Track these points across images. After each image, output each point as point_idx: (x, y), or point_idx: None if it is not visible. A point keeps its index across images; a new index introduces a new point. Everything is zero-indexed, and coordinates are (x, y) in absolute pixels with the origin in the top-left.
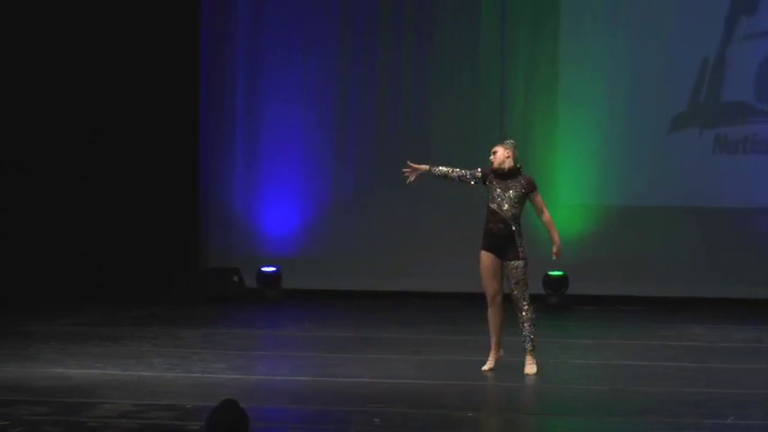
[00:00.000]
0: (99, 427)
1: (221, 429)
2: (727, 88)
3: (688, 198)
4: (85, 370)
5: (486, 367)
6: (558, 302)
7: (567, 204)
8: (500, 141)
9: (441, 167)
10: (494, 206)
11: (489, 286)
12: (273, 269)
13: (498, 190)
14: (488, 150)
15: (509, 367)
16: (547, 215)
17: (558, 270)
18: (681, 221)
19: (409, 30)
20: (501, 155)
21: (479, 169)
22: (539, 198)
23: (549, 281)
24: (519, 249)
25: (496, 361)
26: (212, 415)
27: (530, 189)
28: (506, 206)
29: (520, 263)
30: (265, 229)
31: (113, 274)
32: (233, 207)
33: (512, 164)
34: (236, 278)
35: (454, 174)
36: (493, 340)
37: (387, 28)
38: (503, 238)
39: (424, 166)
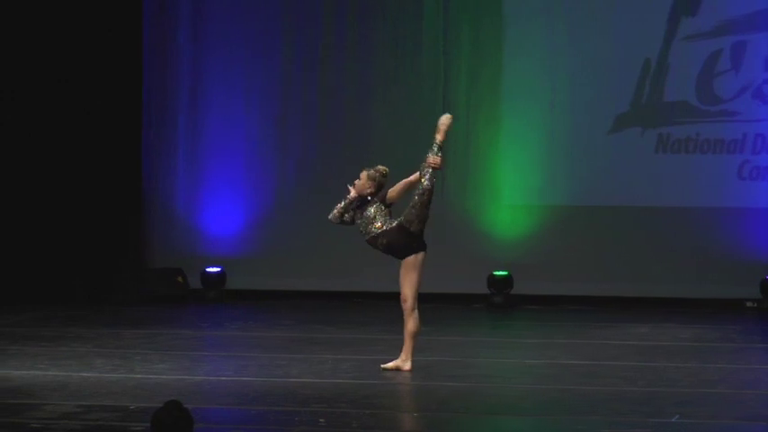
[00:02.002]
0: (41, 428)
1: (165, 430)
2: (670, 88)
3: (630, 198)
4: (26, 371)
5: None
6: (502, 302)
7: (511, 204)
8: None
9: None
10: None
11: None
12: (217, 269)
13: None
14: (428, 146)
15: (452, 367)
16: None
17: (502, 270)
18: (623, 221)
19: (352, 25)
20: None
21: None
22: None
23: (493, 280)
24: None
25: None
26: (156, 416)
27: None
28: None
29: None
30: (209, 229)
31: (54, 274)
32: (176, 206)
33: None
34: (180, 278)
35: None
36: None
37: (329, 23)
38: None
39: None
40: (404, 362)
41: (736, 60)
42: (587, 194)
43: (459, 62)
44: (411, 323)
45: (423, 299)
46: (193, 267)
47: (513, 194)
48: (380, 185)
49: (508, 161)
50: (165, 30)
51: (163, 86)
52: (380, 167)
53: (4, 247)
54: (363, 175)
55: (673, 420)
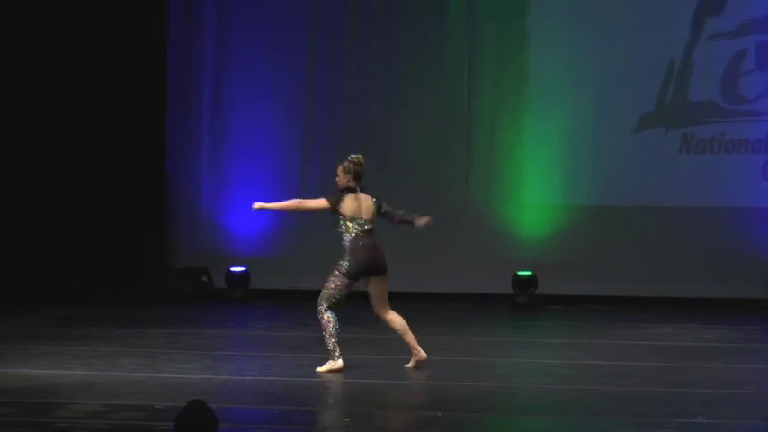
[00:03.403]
0: (67, 427)
1: (189, 430)
2: (694, 88)
3: (655, 198)
4: (52, 370)
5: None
6: (526, 302)
7: (535, 204)
8: (467, 141)
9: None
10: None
11: None
12: (242, 269)
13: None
14: (454, 148)
15: (475, 367)
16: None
17: (526, 270)
18: (647, 221)
19: (376, 27)
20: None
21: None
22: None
23: (517, 281)
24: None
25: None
26: (180, 415)
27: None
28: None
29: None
30: (233, 229)
31: (80, 274)
32: (201, 207)
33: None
34: (204, 278)
35: None
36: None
37: (353, 25)
38: None
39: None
40: (418, 353)
41: (761, 60)
42: (611, 194)
43: (484, 64)
44: (397, 319)
45: (446, 299)
46: (218, 267)
47: (537, 194)
48: (357, 174)
49: (532, 161)
50: (190, 30)
51: (187, 86)
52: (352, 156)
53: (29, 247)
54: (339, 170)
55: (696, 421)
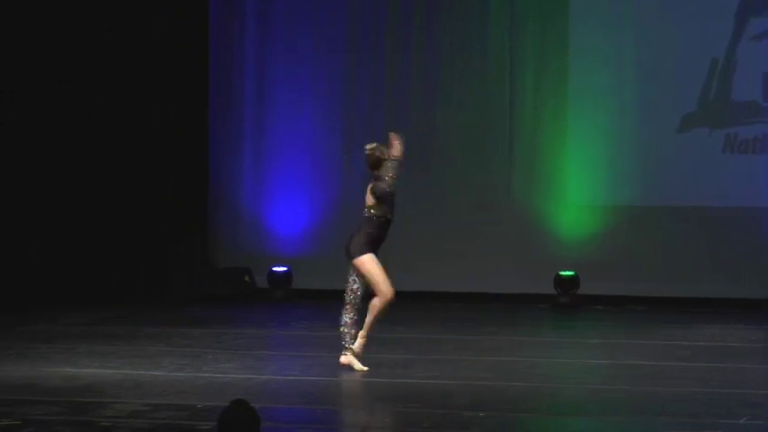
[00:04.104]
0: (110, 426)
1: (232, 429)
2: (737, 88)
3: (697, 198)
4: (95, 369)
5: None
6: (568, 302)
7: (577, 204)
8: (509, 140)
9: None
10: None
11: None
12: (284, 269)
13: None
14: (496, 147)
15: (519, 367)
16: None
17: (568, 270)
18: (690, 221)
19: (417, 27)
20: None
21: None
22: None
23: (559, 281)
24: None
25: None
26: (223, 415)
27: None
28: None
29: None
30: (275, 229)
31: (123, 274)
32: (243, 206)
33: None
34: (247, 278)
35: None
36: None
37: (395, 25)
38: None
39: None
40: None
41: None
42: (654, 195)
43: (525, 62)
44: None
45: (490, 299)
46: (260, 267)
47: (579, 194)
48: (368, 164)
49: (574, 160)
50: (231, 25)
51: (229, 84)
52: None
53: (73, 246)
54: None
55: (742, 422)
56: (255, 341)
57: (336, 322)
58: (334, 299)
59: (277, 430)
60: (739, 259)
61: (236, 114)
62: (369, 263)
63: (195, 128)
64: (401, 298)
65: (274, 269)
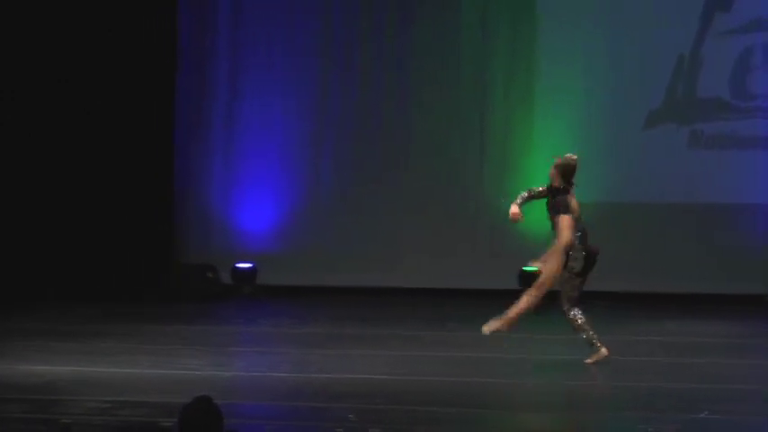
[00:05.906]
0: (70, 423)
1: (193, 426)
2: (703, 84)
3: (663, 194)
4: (56, 367)
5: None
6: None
7: (544, 202)
8: (480, 137)
9: (523, 194)
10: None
11: None
12: (249, 265)
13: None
14: (468, 146)
15: (479, 363)
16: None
17: (533, 266)
18: (656, 218)
19: (389, 25)
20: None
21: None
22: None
23: (523, 276)
24: None
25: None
26: (184, 411)
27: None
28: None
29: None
30: (241, 225)
31: (83, 272)
32: (209, 203)
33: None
34: (210, 274)
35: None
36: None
37: (366, 24)
38: None
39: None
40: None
41: None
42: (619, 191)
43: (496, 63)
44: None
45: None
46: (226, 264)
47: None
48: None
49: (541, 158)
50: (202, 27)
51: (198, 84)
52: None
53: (38, 245)
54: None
55: (701, 416)
56: (221, 338)
57: (302, 319)
58: (300, 295)
59: (244, 427)
60: (703, 255)
61: (203, 111)
62: None
63: (161, 123)
64: (370, 295)
65: (238, 266)
